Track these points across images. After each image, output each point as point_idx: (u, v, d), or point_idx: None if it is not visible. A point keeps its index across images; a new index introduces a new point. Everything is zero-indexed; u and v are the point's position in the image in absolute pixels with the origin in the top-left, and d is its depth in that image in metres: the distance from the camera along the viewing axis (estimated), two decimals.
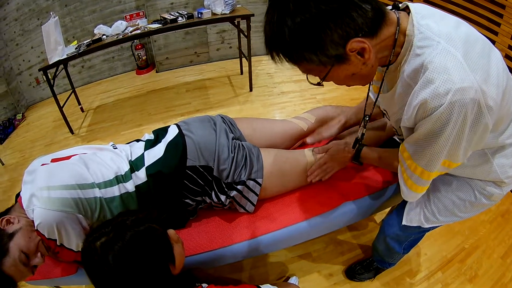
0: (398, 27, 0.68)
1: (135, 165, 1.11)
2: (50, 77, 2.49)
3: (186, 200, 1.13)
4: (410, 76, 0.70)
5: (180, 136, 1.15)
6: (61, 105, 2.64)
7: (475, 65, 0.63)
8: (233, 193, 1.13)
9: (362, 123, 1.04)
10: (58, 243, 0.96)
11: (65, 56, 2.46)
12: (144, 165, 1.10)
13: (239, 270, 1.57)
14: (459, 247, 1.64)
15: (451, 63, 0.62)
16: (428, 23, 0.67)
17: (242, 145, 1.19)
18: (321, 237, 1.27)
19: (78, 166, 1.03)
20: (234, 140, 1.21)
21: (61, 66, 2.62)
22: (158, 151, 1.13)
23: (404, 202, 1.07)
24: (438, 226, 1.05)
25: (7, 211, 1.00)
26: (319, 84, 0.72)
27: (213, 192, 1.14)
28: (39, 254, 0.95)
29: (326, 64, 0.66)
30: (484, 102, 0.63)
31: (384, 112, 0.94)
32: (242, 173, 1.13)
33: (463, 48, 0.64)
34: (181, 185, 1.10)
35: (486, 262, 1.57)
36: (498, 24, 1.98)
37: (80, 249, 1.00)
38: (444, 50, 0.63)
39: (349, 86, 0.78)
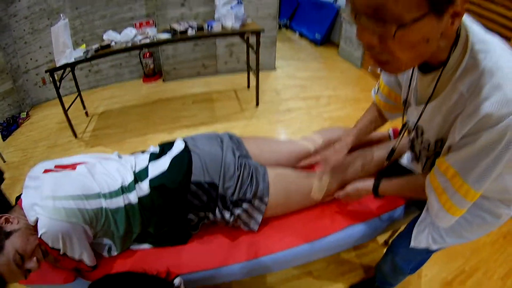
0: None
1: (138, 176, 1.10)
2: (56, 78, 2.48)
3: (189, 216, 1.11)
4: (465, 82, 0.62)
5: (186, 151, 1.14)
6: (66, 108, 2.63)
7: None
8: (238, 211, 1.11)
9: (399, 136, 1.00)
10: (61, 253, 0.94)
11: (72, 60, 2.45)
12: (147, 177, 1.09)
13: (236, 287, 1.54)
14: (459, 269, 1.62)
15: None
16: (474, 26, 0.61)
17: (248, 163, 1.18)
18: None
19: (85, 176, 1.02)
20: (241, 158, 1.20)
21: (68, 69, 2.62)
22: (162, 164, 1.12)
23: (413, 224, 1.05)
24: (446, 247, 1.03)
25: (6, 211, 0.98)
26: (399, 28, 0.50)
27: (217, 209, 1.12)
28: (34, 258, 0.92)
29: (426, 8, 0.49)
30: None
31: (414, 128, 0.87)
32: (248, 191, 1.12)
33: None
34: (185, 200, 1.08)
35: (486, 284, 1.55)
36: None
37: (82, 258, 0.99)
38: (507, 56, 0.59)
39: (389, 62, 0.59)
